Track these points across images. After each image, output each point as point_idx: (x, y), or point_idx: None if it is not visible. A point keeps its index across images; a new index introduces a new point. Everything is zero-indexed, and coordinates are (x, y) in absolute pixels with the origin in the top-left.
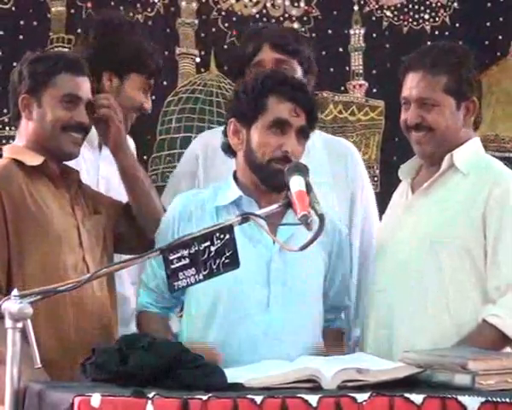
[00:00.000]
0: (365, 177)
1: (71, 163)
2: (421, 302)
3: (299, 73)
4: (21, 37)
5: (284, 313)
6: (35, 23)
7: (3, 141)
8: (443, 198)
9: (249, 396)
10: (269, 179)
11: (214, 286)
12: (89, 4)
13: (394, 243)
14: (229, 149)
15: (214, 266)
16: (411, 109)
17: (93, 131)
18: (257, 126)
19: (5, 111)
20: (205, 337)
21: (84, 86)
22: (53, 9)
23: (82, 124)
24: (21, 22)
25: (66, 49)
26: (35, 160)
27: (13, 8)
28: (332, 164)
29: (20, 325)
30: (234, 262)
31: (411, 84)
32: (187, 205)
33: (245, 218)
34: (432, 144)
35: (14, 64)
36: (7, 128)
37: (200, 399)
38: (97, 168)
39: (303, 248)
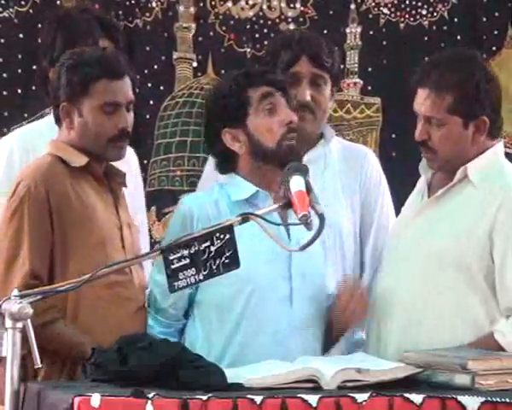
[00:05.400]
0: (381, 184)
1: None
2: (420, 319)
3: (328, 87)
4: (40, 40)
5: (306, 306)
6: None
7: None
8: (452, 211)
9: (249, 396)
10: (285, 158)
11: (240, 280)
12: (96, 6)
13: (399, 249)
14: (225, 166)
15: (214, 266)
16: (420, 125)
17: None
18: (252, 119)
19: (26, 115)
20: (233, 337)
21: (124, 89)
22: None
23: (124, 130)
24: (39, 25)
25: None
26: (80, 160)
27: (30, 11)
28: (346, 172)
29: (20, 324)
30: (234, 262)
31: (419, 100)
32: (202, 204)
33: (245, 218)
34: (437, 163)
35: (34, 67)
36: None
37: (200, 399)
38: None
39: (303, 248)
